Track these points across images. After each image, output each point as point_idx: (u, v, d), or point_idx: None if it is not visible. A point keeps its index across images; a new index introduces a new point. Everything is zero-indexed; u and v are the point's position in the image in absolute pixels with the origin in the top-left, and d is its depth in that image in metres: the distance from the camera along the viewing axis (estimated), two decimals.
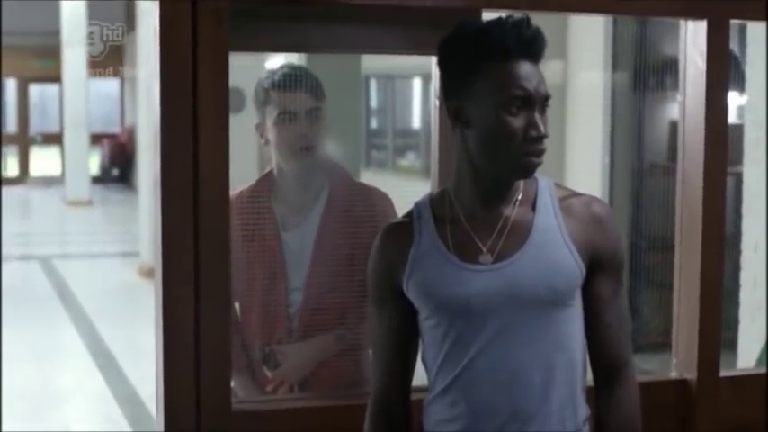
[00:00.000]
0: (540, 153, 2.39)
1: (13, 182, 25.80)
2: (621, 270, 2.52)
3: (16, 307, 11.45)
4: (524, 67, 2.36)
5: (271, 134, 3.39)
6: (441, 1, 3.03)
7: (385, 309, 2.56)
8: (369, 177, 6.43)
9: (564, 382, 2.43)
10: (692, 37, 3.26)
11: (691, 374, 3.29)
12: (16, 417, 7.57)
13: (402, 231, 2.53)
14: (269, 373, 3.40)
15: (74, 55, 20.28)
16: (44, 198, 23.64)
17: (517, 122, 2.35)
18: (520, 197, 2.46)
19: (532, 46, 2.37)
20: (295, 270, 3.42)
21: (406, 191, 3.43)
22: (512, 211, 2.45)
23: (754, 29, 3.34)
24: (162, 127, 2.76)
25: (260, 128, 3.43)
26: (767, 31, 3.36)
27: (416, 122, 14.18)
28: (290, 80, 3.38)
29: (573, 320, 2.45)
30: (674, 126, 8.30)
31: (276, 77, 3.40)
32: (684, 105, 3.32)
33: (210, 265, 2.80)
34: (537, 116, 2.37)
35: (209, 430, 2.82)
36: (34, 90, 26.92)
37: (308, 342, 3.41)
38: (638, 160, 8.70)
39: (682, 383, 3.30)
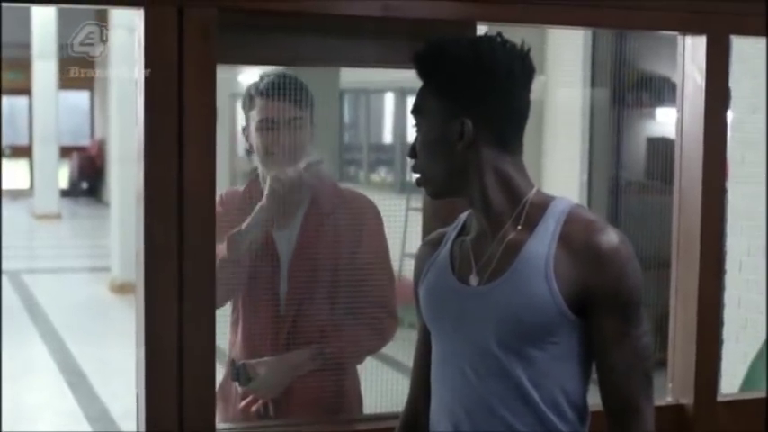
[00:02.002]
0: (413, 171, 2.38)
1: None
2: (632, 309, 2.29)
3: None
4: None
5: (252, 139, 3.35)
6: (428, 13, 2.95)
7: (419, 318, 2.53)
8: None
9: (530, 422, 2.31)
10: (691, 52, 3.19)
11: (687, 399, 3.22)
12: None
13: (438, 237, 2.51)
14: (239, 389, 3.29)
15: (43, 67, 20.17)
16: (12, 211, 23.45)
17: None
18: (522, 217, 2.34)
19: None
20: (286, 274, 3.34)
21: (381, 205, 3.37)
22: (509, 233, 2.34)
23: (740, 45, 3.27)
24: (146, 141, 2.67)
25: (245, 132, 3.39)
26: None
27: (389, 137, 14.15)
28: (274, 88, 3.32)
29: (554, 359, 2.30)
30: (651, 143, 8.29)
31: (262, 84, 3.34)
32: (682, 122, 3.23)
33: (195, 283, 2.71)
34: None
35: None
36: (3, 102, 26.73)
37: (282, 357, 3.31)
38: (616, 177, 8.66)
39: (678, 408, 3.23)
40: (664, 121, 7.83)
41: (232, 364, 3.28)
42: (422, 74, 2.36)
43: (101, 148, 24.84)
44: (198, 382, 2.73)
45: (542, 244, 2.29)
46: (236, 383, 3.28)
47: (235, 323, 3.41)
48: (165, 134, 2.66)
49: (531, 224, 2.32)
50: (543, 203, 2.34)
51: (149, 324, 2.71)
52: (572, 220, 2.30)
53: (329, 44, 3.03)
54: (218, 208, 3.29)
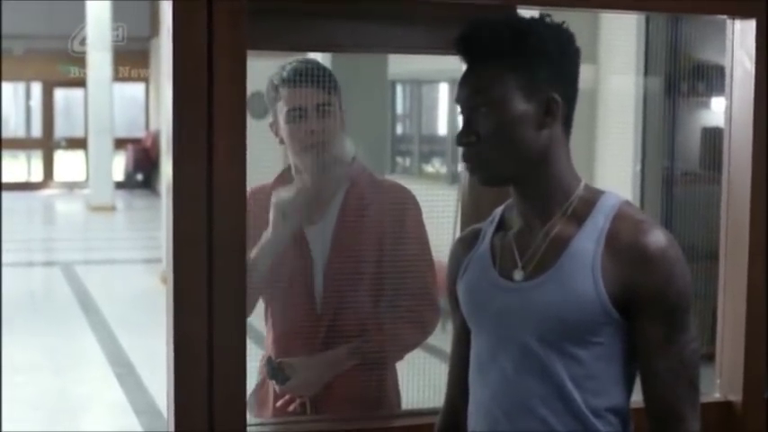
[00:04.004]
0: (467, 159, 2.28)
1: (36, 186, 25.81)
2: (679, 314, 2.21)
3: (36, 313, 11.40)
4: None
5: (283, 132, 3.27)
6: None
7: (455, 317, 2.48)
8: None
9: (570, 424, 2.24)
10: (740, 37, 3.09)
11: (736, 396, 3.14)
12: (33, 426, 7.47)
13: (472, 234, 2.44)
14: (277, 388, 3.24)
15: (99, 59, 20.26)
16: (68, 203, 23.63)
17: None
18: (570, 211, 2.27)
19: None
20: (322, 270, 3.27)
21: (433, 197, 3.31)
22: (555, 227, 2.26)
23: None
24: (175, 132, 2.61)
25: (274, 126, 3.31)
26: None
27: (441, 128, 14.08)
28: (298, 75, 3.23)
29: (598, 359, 2.23)
30: (706, 132, 8.17)
31: (285, 73, 3.26)
32: (731, 110, 3.13)
33: (226, 277, 2.65)
34: (464, 122, 2.28)
35: None
36: (59, 94, 26.92)
37: (319, 355, 3.25)
38: (671, 168, 8.54)
39: (726, 405, 3.15)
40: (718, 110, 7.72)
41: (268, 362, 3.22)
42: (490, 52, 2.24)
43: (155, 139, 24.92)
44: (228, 380, 2.67)
45: (590, 240, 2.22)
46: (273, 383, 3.23)
47: (269, 324, 3.35)
48: (194, 126, 2.60)
49: (580, 219, 2.25)
50: (592, 198, 2.28)
51: (178, 320, 2.65)
52: (621, 218, 2.23)
53: (365, 29, 2.98)
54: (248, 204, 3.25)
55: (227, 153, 2.62)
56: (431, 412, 2.60)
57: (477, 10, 2.79)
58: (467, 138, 2.25)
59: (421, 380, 3.32)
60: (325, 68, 3.28)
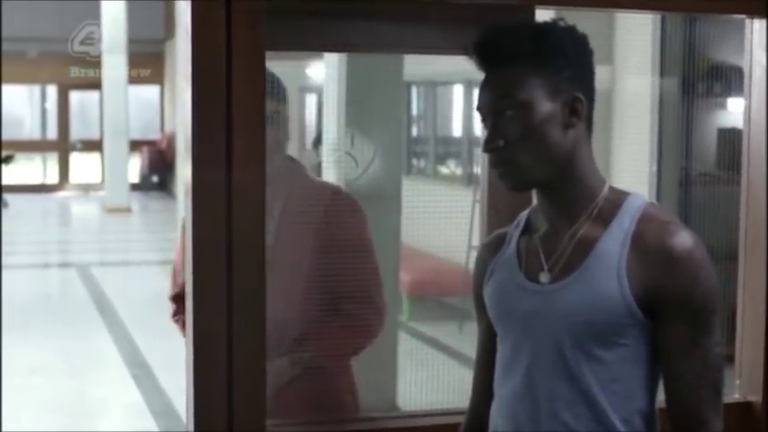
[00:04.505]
0: (496, 164, 2.25)
1: (52, 188, 25.87)
2: (704, 317, 2.19)
3: (52, 315, 11.41)
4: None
5: None
6: None
7: (480, 322, 2.47)
8: (410, 185, 6.30)
9: (594, 429, 2.22)
10: (758, 36, 3.07)
11: (756, 396, 3.12)
12: (50, 429, 7.47)
13: (497, 238, 2.44)
14: None
15: (114, 61, 20.30)
16: (83, 205, 23.67)
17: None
18: (595, 212, 2.26)
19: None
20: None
21: (449, 198, 3.29)
22: (581, 229, 2.26)
23: None
24: (193, 133, 2.61)
25: None
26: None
27: (456, 130, 14.08)
28: None
29: (623, 361, 2.21)
30: (722, 133, 8.15)
31: None
32: (749, 110, 3.11)
33: (245, 277, 2.65)
34: (490, 127, 2.25)
35: None
36: (75, 96, 26.98)
37: (273, 362, 3.13)
38: (687, 169, 8.52)
39: (746, 406, 3.13)
40: (735, 110, 7.70)
41: None
42: (510, 55, 2.23)
43: (170, 141, 24.97)
44: (248, 380, 2.67)
45: (616, 242, 2.21)
46: None
47: None
48: (213, 127, 2.60)
49: (605, 220, 2.25)
50: (617, 199, 2.27)
51: (198, 321, 2.66)
52: (646, 219, 2.23)
53: (382, 30, 2.97)
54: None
55: (246, 153, 2.62)
56: (446, 413, 2.59)
57: (493, 10, 2.79)
58: (494, 143, 2.23)
59: (437, 381, 3.31)
60: (272, 75, 3.15)
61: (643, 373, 2.24)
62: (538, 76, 2.22)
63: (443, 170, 13.57)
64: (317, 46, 3.14)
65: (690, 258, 2.17)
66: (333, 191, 3.30)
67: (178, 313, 3.50)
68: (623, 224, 2.22)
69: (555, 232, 2.29)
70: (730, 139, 7.11)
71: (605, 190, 2.28)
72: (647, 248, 2.18)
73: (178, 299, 3.44)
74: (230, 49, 2.59)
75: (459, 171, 13.16)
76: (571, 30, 2.27)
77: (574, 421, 2.22)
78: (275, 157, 3.13)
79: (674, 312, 2.18)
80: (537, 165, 2.23)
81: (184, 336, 3.31)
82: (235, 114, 2.60)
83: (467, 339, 3.31)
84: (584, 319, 2.19)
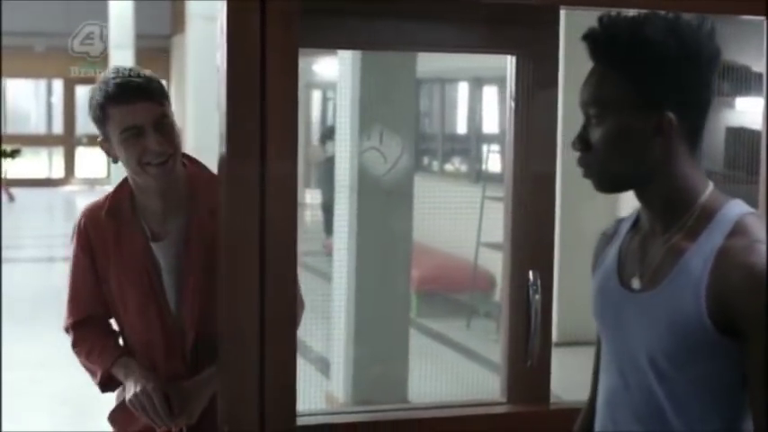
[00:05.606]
0: (580, 164, 2.20)
1: (58, 183, 25.90)
2: None
3: (60, 308, 11.41)
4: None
5: (119, 152, 3.07)
6: None
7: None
8: (418, 182, 6.30)
9: None
10: None
11: None
12: (60, 422, 7.50)
13: (611, 229, 2.38)
14: (166, 421, 3.10)
15: (121, 57, 20.31)
16: (89, 199, 23.62)
17: None
18: (689, 223, 2.16)
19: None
20: (174, 286, 3.16)
21: (457, 195, 3.33)
22: (674, 236, 2.17)
23: None
24: (228, 131, 2.67)
25: (104, 146, 3.11)
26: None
27: (464, 127, 14.08)
28: (126, 90, 2.99)
29: (696, 382, 2.11)
30: (730, 132, 8.17)
31: (110, 90, 3.01)
32: (767, 110, 3.15)
33: (278, 275, 2.69)
34: (581, 127, 2.20)
35: None
36: (81, 91, 27.00)
37: (197, 380, 3.13)
38: None
39: None
40: (743, 110, 7.72)
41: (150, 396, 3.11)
42: (607, 60, 2.16)
43: None
44: (280, 370, 2.71)
45: (701, 258, 2.10)
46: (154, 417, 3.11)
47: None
48: (247, 124, 2.65)
49: (697, 230, 2.13)
50: (713, 208, 2.15)
51: (231, 312, 2.70)
52: (736, 234, 2.09)
53: (406, 28, 3.02)
54: (81, 234, 3.21)
55: (280, 149, 2.67)
56: (455, 405, 2.59)
57: (521, 10, 2.84)
58: (578, 145, 2.19)
59: (446, 375, 3.35)
60: (151, 78, 3.07)
61: (720, 398, 2.13)
62: (630, 88, 2.13)
63: (449, 167, 13.59)
64: (337, 44, 3.17)
65: None
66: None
67: (78, 344, 3.41)
68: (713, 239, 2.10)
69: (653, 234, 2.22)
70: (739, 138, 7.16)
71: (706, 194, 2.18)
72: (729, 266, 2.06)
73: (76, 326, 3.40)
74: (264, 48, 2.65)
75: (463, 168, 13.16)
76: (680, 33, 2.14)
77: None
78: (173, 163, 3.08)
79: (752, 335, 2.04)
80: (619, 171, 2.18)
81: (88, 368, 3.33)
82: (269, 110, 2.65)
83: (474, 335, 3.36)
84: (663, 334, 2.12)
